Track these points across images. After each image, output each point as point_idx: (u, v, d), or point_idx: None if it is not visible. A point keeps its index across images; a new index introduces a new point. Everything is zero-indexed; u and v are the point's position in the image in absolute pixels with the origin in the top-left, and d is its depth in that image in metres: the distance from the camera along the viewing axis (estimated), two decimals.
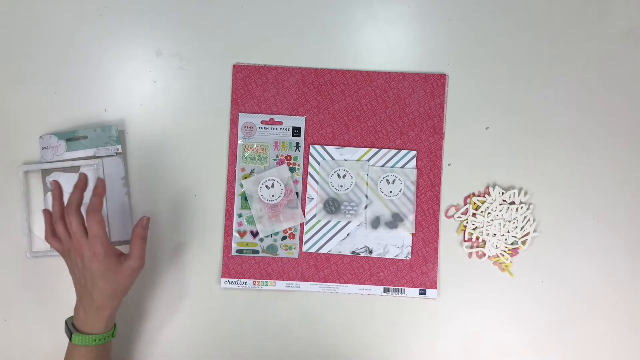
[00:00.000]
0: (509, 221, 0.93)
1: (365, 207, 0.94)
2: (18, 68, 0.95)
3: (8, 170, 0.94)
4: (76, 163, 0.93)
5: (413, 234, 0.94)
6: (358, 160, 0.94)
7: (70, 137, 0.93)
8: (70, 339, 0.82)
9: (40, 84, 0.95)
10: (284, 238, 0.94)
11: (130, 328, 0.93)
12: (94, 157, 0.93)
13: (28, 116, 0.95)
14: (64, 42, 0.96)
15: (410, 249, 0.93)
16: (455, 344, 0.93)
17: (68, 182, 0.93)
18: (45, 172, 0.93)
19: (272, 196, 0.93)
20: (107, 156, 0.93)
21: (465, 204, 0.94)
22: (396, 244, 0.93)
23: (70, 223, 0.81)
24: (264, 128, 0.94)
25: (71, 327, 0.82)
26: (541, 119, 0.95)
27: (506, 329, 0.93)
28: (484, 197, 0.94)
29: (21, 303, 0.94)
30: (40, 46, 0.96)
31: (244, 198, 0.94)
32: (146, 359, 0.93)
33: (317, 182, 0.94)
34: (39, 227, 0.93)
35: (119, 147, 0.93)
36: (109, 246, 0.82)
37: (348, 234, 0.94)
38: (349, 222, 0.94)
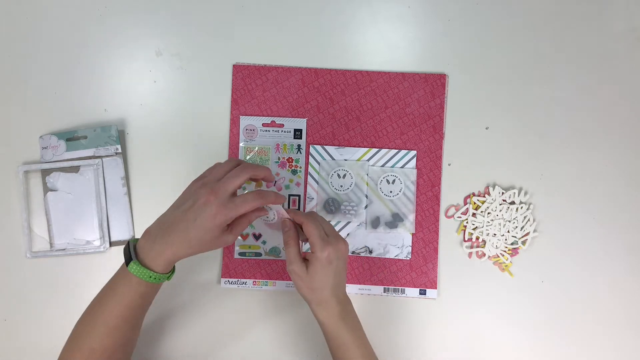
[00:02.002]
0: (509, 221, 0.94)
1: (365, 207, 0.94)
2: (18, 68, 0.95)
3: (8, 170, 0.94)
4: (76, 163, 0.93)
5: (413, 234, 0.94)
6: (358, 160, 0.94)
7: (70, 137, 0.93)
8: (126, 264, 0.75)
9: (40, 84, 0.95)
10: None
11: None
12: (94, 157, 0.93)
13: (28, 116, 0.95)
14: (64, 42, 0.96)
15: (410, 249, 0.93)
16: (455, 343, 0.93)
17: (68, 182, 0.93)
18: (45, 172, 0.93)
19: (267, 217, 0.87)
20: (107, 156, 0.93)
21: (465, 204, 0.94)
22: (396, 244, 0.94)
23: (222, 164, 0.79)
24: (266, 130, 0.94)
25: (132, 252, 0.76)
26: (541, 119, 0.95)
27: (506, 329, 0.93)
28: (484, 197, 0.94)
29: (21, 303, 0.94)
30: (41, 46, 0.96)
31: None
32: (146, 359, 0.93)
33: (317, 182, 0.94)
34: (39, 227, 0.94)
35: (119, 147, 0.93)
36: (225, 203, 0.74)
37: (348, 234, 0.94)
38: (349, 222, 0.94)
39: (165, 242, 0.75)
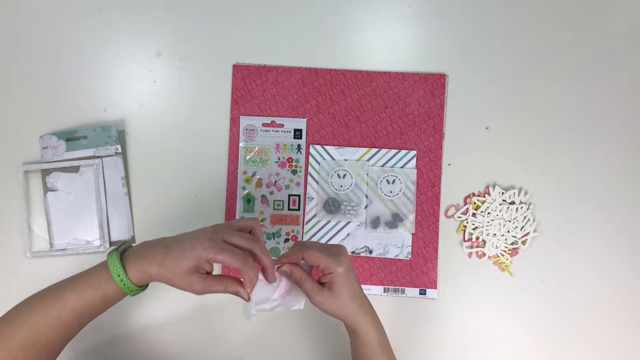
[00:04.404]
0: (509, 221, 0.94)
1: (365, 207, 0.94)
2: (18, 68, 0.95)
3: (8, 170, 0.94)
4: (76, 163, 0.93)
5: (413, 234, 0.94)
6: (358, 160, 0.94)
7: (70, 137, 0.93)
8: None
9: (40, 84, 0.95)
10: (286, 240, 0.93)
11: (130, 327, 0.93)
12: (94, 157, 0.93)
13: (28, 116, 0.95)
14: (65, 42, 0.96)
15: (410, 249, 0.93)
16: (455, 344, 0.93)
17: (68, 182, 0.93)
18: (45, 172, 0.93)
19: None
20: (107, 156, 0.93)
21: (465, 204, 0.94)
22: (396, 244, 0.94)
23: (241, 220, 0.77)
24: (266, 130, 0.94)
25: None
26: (541, 118, 0.95)
27: (506, 329, 0.93)
28: (484, 197, 0.94)
29: None
30: (41, 46, 0.96)
31: (246, 201, 0.94)
32: (145, 359, 0.93)
33: (317, 182, 0.94)
34: (39, 227, 0.94)
35: (119, 147, 0.93)
36: (215, 240, 0.72)
37: (348, 234, 0.94)
38: (349, 222, 0.94)
39: (147, 252, 0.72)
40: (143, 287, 0.74)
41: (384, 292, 0.93)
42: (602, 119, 0.95)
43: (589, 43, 0.95)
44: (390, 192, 0.94)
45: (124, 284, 0.72)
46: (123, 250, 0.74)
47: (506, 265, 0.93)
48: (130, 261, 0.72)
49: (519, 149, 0.95)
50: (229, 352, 0.93)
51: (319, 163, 0.94)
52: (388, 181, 0.94)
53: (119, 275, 0.72)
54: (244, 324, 0.94)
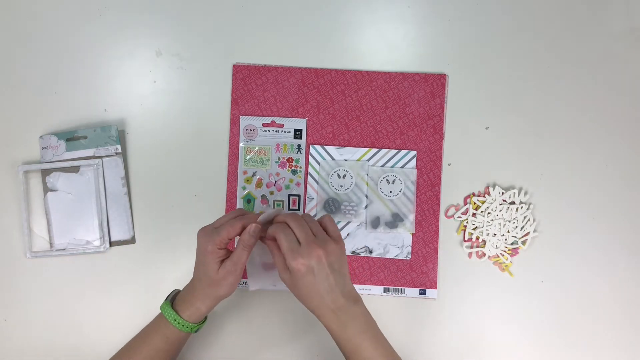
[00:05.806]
0: (509, 221, 0.93)
1: (365, 207, 0.94)
2: (18, 68, 0.95)
3: (8, 170, 0.94)
4: (76, 163, 0.93)
5: (413, 234, 0.94)
6: (358, 160, 0.94)
7: (70, 137, 0.93)
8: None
9: (40, 84, 0.95)
10: None
11: (130, 328, 0.93)
12: (94, 157, 0.93)
13: (28, 116, 0.95)
14: (64, 42, 0.96)
15: (410, 249, 0.93)
16: (455, 344, 0.93)
17: (68, 182, 0.93)
18: (45, 172, 0.93)
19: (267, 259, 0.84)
20: (107, 156, 0.93)
21: (465, 204, 0.94)
22: (396, 244, 0.94)
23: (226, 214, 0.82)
24: (266, 131, 0.94)
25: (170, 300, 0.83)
26: (541, 119, 0.95)
27: (506, 329, 0.93)
28: (484, 197, 0.94)
29: (21, 303, 0.94)
30: (41, 46, 0.96)
31: (246, 201, 0.94)
32: None
33: (317, 182, 0.94)
34: (39, 227, 0.94)
35: (119, 147, 0.93)
36: (209, 231, 0.79)
37: (348, 234, 0.94)
38: (349, 222, 0.94)
39: (186, 290, 0.82)
40: (201, 322, 0.83)
41: (384, 292, 0.93)
42: (602, 119, 0.95)
43: (589, 43, 0.95)
44: (390, 192, 0.94)
45: (180, 324, 0.80)
46: (173, 298, 0.83)
47: (506, 265, 0.93)
48: (179, 304, 0.81)
49: (519, 149, 0.95)
50: (229, 352, 0.93)
51: (319, 163, 0.94)
52: (388, 181, 0.94)
53: (175, 320, 0.80)
54: (243, 324, 0.94)
